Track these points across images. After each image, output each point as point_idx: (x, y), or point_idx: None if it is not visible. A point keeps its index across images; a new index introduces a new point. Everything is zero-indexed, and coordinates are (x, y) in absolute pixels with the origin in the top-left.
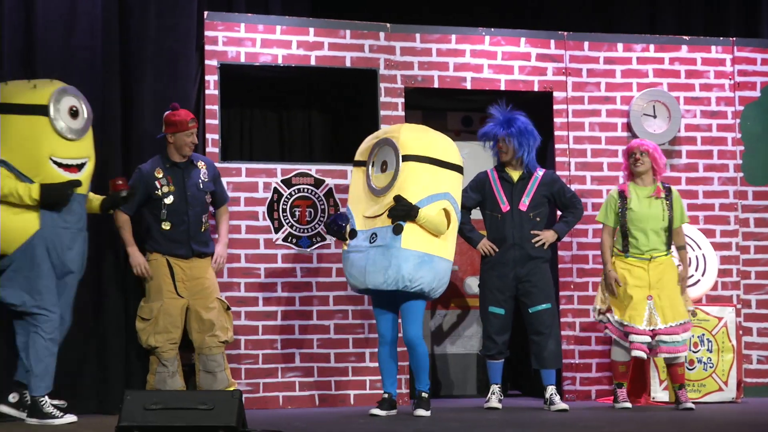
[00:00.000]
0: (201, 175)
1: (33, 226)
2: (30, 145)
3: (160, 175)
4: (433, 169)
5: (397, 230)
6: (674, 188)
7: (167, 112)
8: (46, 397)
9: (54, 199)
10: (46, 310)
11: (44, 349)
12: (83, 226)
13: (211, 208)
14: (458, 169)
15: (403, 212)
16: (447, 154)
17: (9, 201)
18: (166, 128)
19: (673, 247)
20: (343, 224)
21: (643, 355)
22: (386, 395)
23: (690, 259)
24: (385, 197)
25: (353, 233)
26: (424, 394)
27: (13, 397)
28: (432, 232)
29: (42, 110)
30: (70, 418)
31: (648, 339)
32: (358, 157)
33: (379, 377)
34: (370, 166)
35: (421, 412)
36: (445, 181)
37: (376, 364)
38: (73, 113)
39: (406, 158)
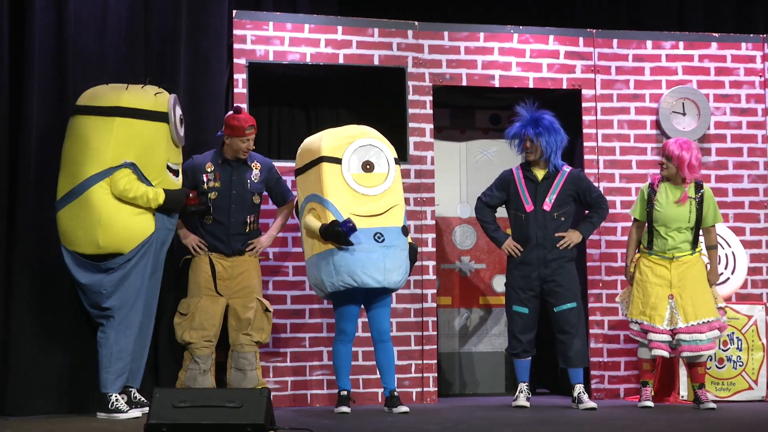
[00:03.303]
0: (252, 176)
1: (150, 227)
2: (154, 150)
3: (210, 170)
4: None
5: (405, 231)
6: (707, 186)
7: (228, 114)
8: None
9: (173, 205)
10: (127, 309)
11: (126, 347)
12: (176, 225)
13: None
14: None
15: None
16: None
17: (135, 203)
18: (225, 129)
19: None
20: (354, 231)
21: (665, 354)
22: (344, 392)
23: (719, 257)
24: (381, 198)
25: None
26: (396, 393)
27: (123, 398)
28: None
29: (165, 117)
30: (135, 413)
31: (668, 338)
32: (329, 153)
33: (407, 375)
34: (346, 164)
35: (404, 408)
36: None
37: (404, 362)
38: (181, 121)
39: (396, 161)
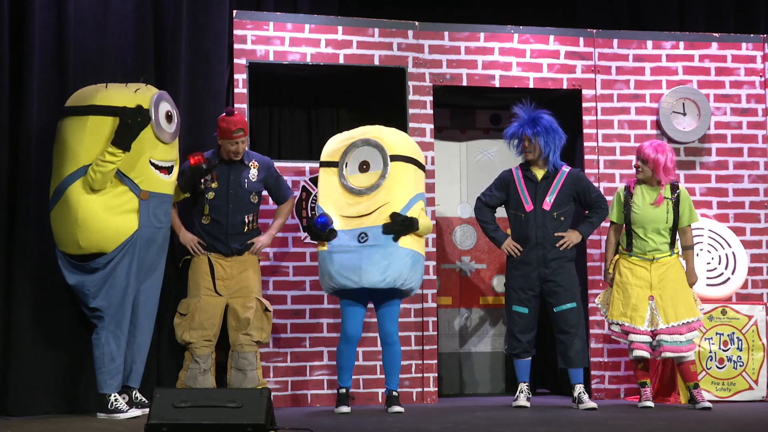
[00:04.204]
0: (249, 175)
1: (133, 225)
2: (132, 146)
3: None
4: (415, 170)
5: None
6: (682, 187)
7: (221, 115)
8: (115, 393)
9: (123, 137)
10: (115, 309)
11: (118, 347)
12: (169, 223)
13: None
14: (424, 168)
15: (404, 229)
16: (420, 155)
17: (103, 175)
18: (217, 130)
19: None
20: (328, 225)
21: (646, 354)
22: (343, 390)
23: (720, 257)
24: (373, 197)
25: (333, 233)
26: (395, 393)
27: (124, 398)
28: (424, 235)
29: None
30: (135, 412)
31: (648, 339)
32: (327, 158)
33: (408, 375)
34: (343, 167)
35: (397, 408)
36: (421, 182)
37: (405, 362)
38: (169, 118)
39: (393, 158)
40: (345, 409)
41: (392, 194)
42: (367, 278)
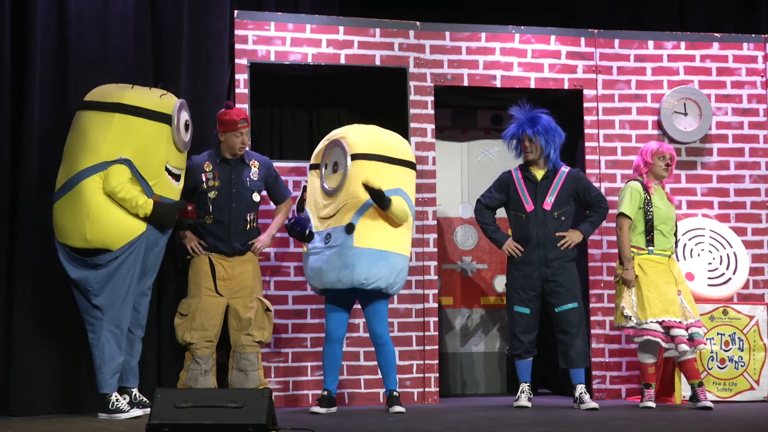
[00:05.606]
0: (251, 174)
1: (141, 225)
2: (152, 149)
3: (209, 169)
4: (383, 166)
5: (349, 229)
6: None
7: (220, 111)
8: (115, 393)
9: (160, 219)
10: (116, 308)
11: (117, 345)
12: (171, 230)
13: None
14: (409, 165)
15: (374, 197)
16: (396, 150)
17: (123, 204)
18: (218, 126)
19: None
20: (304, 226)
21: (688, 348)
22: (326, 392)
23: (721, 257)
24: (337, 197)
25: (311, 235)
26: (395, 393)
27: (124, 398)
28: (398, 221)
29: (168, 119)
30: (136, 412)
31: (686, 333)
32: (312, 160)
33: (409, 375)
34: (323, 168)
35: (398, 408)
36: (395, 177)
37: (406, 362)
38: (186, 127)
39: (355, 157)
40: (318, 409)
41: (352, 193)
42: (326, 279)
